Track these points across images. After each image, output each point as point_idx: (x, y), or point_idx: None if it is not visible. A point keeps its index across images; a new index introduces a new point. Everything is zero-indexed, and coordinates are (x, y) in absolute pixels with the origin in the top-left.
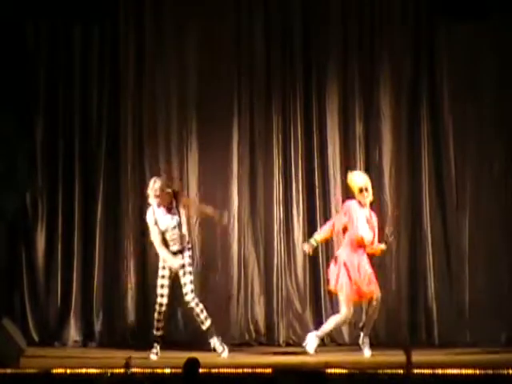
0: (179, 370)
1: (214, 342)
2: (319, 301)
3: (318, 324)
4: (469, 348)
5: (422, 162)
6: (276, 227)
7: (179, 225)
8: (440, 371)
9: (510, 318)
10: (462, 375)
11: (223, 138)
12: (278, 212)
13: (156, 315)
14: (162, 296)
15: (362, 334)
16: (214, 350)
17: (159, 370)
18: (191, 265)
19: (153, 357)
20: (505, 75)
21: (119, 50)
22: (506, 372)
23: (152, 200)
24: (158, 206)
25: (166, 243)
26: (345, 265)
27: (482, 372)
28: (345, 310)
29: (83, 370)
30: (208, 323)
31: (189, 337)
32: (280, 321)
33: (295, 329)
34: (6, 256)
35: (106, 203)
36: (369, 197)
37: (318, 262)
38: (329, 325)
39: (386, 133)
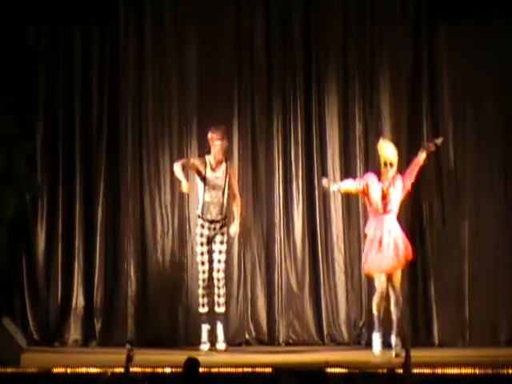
0: (179, 370)
1: (221, 328)
2: (319, 300)
3: (318, 323)
4: (469, 348)
5: None
6: (277, 226)
7: (222, 189)
8: (440, 371)
9: (510, 318)
10: (462, 375)
11: None
12: (278, 211)
13: (200, 291)
14: (203, 272)
15: (393, 337)
16: (215, 336)
17: (159, 370)
18: (227, 243)
19: (204, 347)
20: (505, 75)
21: (119, 50)
22: (505, 372)
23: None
24: (212, 159)
25: (202, 210)
26: (369, 242)
27: (482, 372)
28: (376, 287)
29: (83, 370)
30: (224, 308)
31: (189, 337)
32: (280, 320)
33: (295, 328)
34: (6, 256)
35: (106, 203)
36: (391, 171)
37: (318, 261)
38: (374, 311)
39: (386, 133)
